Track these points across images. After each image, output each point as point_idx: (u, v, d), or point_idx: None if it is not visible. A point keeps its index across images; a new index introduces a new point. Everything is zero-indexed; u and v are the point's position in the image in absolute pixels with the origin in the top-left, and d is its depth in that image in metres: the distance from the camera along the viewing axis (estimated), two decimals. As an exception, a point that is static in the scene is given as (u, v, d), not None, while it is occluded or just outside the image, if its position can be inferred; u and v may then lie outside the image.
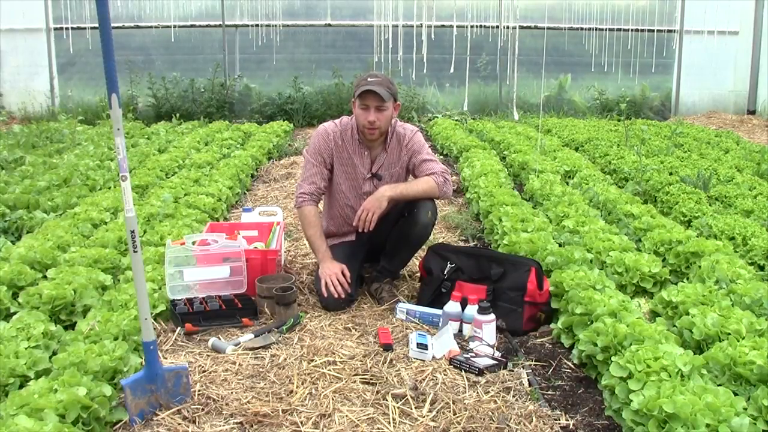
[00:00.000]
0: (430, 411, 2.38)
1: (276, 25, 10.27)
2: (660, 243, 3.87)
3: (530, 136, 7.75)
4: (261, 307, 3.25)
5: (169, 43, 10.24)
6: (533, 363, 2.81)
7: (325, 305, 3.31)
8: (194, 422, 2.31)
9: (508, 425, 2.30)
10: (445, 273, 3.28)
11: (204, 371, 2.67)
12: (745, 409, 2.14)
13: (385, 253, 3.49)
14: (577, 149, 7.31)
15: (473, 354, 2.78)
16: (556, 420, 2.37)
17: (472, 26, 10.39)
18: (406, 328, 3.10)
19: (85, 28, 10.02)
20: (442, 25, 10.37)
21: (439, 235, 4.46)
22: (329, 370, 2.66)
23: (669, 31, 10.65)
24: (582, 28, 10.63)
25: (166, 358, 2.78)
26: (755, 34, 10.60)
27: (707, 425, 2.01)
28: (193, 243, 3.32)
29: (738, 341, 2.52)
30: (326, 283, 3.25)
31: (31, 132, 7.69)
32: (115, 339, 2.67)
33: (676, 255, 3.74)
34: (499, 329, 2.98)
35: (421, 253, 3.65)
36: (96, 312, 2.93)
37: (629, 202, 4.73)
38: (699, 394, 2.12)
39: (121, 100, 4.56)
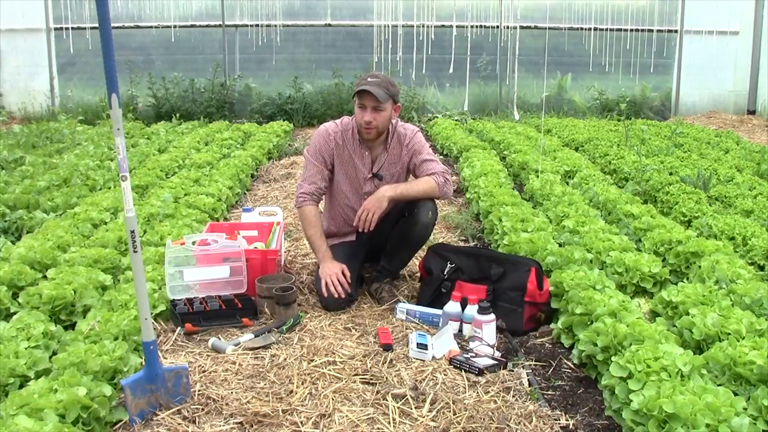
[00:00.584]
0: (430, 411, 2.38)
1: (276, 25, 10.27)
2: (660, 243, 3.87)
3: (530, 136, 7.75)
4: (261, 307, 3.25)
5: (169, 43, 10.24)
6: (533, 363, 2.81)
7: (325, 305, 3.31)
8: (194, 422, 2.31)
9: (508, 425, 2.30)
10: (445, 273, 3.28)
11: (204, 371, 2.67)
12: (745, 409, 2.14)
13: (386, 253, 3.49)
14: (577, 149, 7.31)
15: (473, 354, 2.78)
16: (556, 420, 2.37)
17: (472, 26, 10.40)
18: (406, 328, 3.10)
19: (85, 28, 10.02)
20: (442, 25, 10.38)
21: (439, 235, 4.45)
22: (329, 370, 2.66)
23: (669, 31, 10.63)
24: (582, 28, 10.62)
25: (166, 358, 2.78)
26: (755, 34, 10.59)
27: (707, 425, 2.01)
28: (193, 243, 3.32)
29: (738, 341, 2.52)
30: (326, 283, 3.25)
31: (31, 132, 7.68)
32: (115, 339, 2.67)
33: (676, 255, 3.74)
34: (499, 329, 2.98)
35: (421, 253, 3.65)
36: (96, 312, 2.93)
37: (629, 202, 4.73)
38: (699, 394, 2.12)
39: (121, 100, 4.56)
